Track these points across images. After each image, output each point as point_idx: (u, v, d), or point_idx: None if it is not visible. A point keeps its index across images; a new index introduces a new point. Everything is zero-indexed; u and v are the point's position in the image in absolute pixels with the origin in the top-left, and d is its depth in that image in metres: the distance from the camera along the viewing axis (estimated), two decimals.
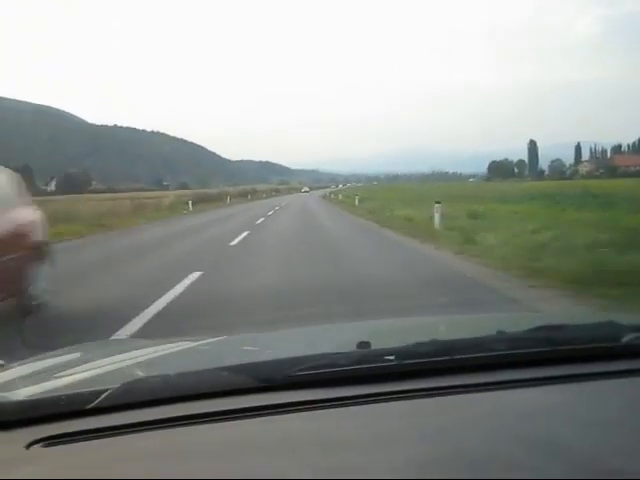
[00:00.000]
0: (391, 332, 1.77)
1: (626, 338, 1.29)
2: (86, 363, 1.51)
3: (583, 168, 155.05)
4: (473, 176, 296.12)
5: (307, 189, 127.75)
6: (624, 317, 1.58)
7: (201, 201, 44.74)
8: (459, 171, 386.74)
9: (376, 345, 1.26)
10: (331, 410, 1.07)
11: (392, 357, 1.19)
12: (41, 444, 0.97)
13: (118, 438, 0.99)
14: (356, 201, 39.74)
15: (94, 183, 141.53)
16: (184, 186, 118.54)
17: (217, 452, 0.95)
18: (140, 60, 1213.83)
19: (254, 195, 78.78)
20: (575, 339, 1.31)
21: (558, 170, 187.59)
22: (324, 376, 1.15)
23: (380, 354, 1.21)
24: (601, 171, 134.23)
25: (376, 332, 1.67)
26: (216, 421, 1.04)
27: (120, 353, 1.63)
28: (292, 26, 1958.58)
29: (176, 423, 1.03)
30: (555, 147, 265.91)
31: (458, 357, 1.22)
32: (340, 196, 57.19)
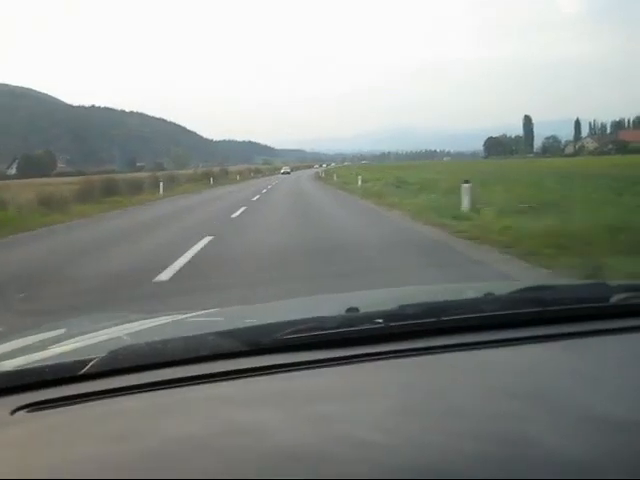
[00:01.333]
0: (379, 300, 1.77)
1: (615, 298, 1.30)
2: (75, 337, 1.51)
3: (588, 144, 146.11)
4: (448, 154, 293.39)
5: (288, 169, 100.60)
6: (613, 281, 1.59)
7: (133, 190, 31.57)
8: (447, 149, 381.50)
9: (365, 311, 1.27)
10: (317, 370, 1.08)
11: (380, 320, 1.19)
12: (25, 410, 0.97)
13: (102, 401, 0.99)
14: (359, 182, 31.16)
15: (62, 165, 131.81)
16: (160, 167, 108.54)
17: (199, 409, 0.95)
18: (119, 39, 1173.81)
19: (221, 179, 59.43)
20: (564, 299, 1.31)
21: (554, 147, 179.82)
22: (312, 339, 1.15)
23: (368, 317, 1.21)
24: (610, 147, 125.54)
25: (365, 300, 1.68)
26: (202, 383, 1.04)
27: (109, 327, 1.63)
28: (273, 2, 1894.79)
29: (162, 386, 1.03)
30: (546, 124, 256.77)
31: (446, 318, 1.22)
32: (335, 177, 48.36)
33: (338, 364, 1.09)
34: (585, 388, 0.96)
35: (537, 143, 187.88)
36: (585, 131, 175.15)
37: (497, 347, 1.15)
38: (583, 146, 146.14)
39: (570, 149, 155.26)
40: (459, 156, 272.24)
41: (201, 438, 0.83)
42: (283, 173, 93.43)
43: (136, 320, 1.68)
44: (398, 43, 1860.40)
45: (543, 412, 0.86)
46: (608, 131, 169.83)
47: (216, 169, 72.84)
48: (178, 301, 5.56)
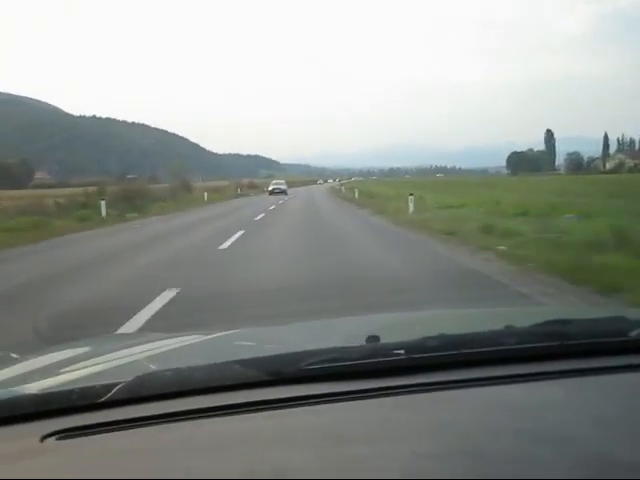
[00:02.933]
0: (399, 326, 1.78)
1: (634, 332, 1.29)
2: (98, 356, 1.53)
3: (625, 161, 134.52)
4: (441, 171, 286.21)
5: (282, 186, 61.01)
6: (631, 312, 1.62)
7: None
8: (457, 165, 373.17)
9: (385, 339, 1.27)
10: (340, 404, 1.08)
11: (401, 351, 1.19)
12: (55, 437, 0.97)
13: (131, 431, 1.00)
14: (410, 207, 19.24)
15: (42, 177, 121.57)
16: (154, 180, 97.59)
17: (227, 445, 0.95)
18: (124, 49, 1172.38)
19: (181, 196, 40.79)
20: (583, 333, 1.31)
21: (576, 163, 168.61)
22: (334, 370, 1.16)
23: (389, 348, 1.22)
24: None
25: (384, 326, 1.68)
26: (228, 414, 1.04)
27: (131, 347, 1.64)
28: (281, 19, 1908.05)
29: (188, 416, 1.03)
30: (563, 140, 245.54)
31: (466, 351, 1.22)
32: (357, 194, 37.50)
33: (361, 398, 1.10)
34: (607, 432, 0.96)
35: (558, 160, 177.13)
36: (613, 147, 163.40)
37: (517, 383, 1.17)
38: (622, 163, 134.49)
39: (599, 164, 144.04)
40: (471, 173, 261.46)
41: (224, 475, 0.84)
42: (273, 192, 55.57)
43: (156, 340, 1.68)
44: (408, 60, 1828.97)
45: (561, 455, 0.87)
46: (637, 147, 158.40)
47: (178, 184, 50.71)
48: None
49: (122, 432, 1.00)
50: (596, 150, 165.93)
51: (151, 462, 0.90)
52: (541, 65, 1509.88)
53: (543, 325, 1.34)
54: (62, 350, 1.61)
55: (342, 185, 56.72)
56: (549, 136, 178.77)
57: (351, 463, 0.87)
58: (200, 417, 1.04)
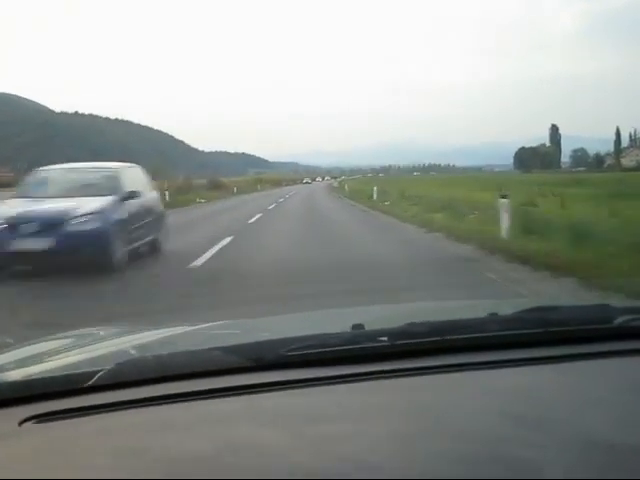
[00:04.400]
0: (385, 316, 1.78)
1: (618, 320, 1.30)
2: (83, 347, 1.54)
3: None
4: (418, 169, 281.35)
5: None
6: (616, 301, 1.80)
7: None
8: (452, 163, 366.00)
9: (370, 327, 1.27)
10: (321, 387, 1.08)
11: (384, 338, 1.19)
12: (33, 421, 0.98)
13: (109, 414, 1.00)
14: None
15: (3, 174, 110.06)
16: None
17: (203, 425, 0.96)
18: (108, 45, 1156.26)
19: None
20: (568, 320, 1.31)
21: (582, 160, 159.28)
22: (316, 356, 1.16)
23: (372, 335, 1.22)
24: None
25: (371, 316, 1.69)
26: (206, 398, 1.05)
27: (119, 337, 1.66)
28: (271, 14, 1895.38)
29: (167, 400, 1.04)
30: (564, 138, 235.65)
31: (450, 337, 1.22)
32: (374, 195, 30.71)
33: (342, 382, 1.10)
34: (586, 412, 0.97)
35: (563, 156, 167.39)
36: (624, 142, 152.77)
37: (500, 368, 1.16)
38: None
39: (607, 160, 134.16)
40: (466, 171, 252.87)
41: (204, 455, 0.84)
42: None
43: (143, 331, 1.71)
44: (403, 58, 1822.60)
45: (544, 436, 0.87)
46: None
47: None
48: None
49: (100, 415, 1.00)
50: (595, 148, 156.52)
51: (128, 442, 0.91)
52: (538, 63, 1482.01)
53: (527, 312, 1.35)
54: (55, 339, 1.63)
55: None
56: (554, 131, 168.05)
57: (325, 441, 0.87)
58: (179, 401, 1.04)
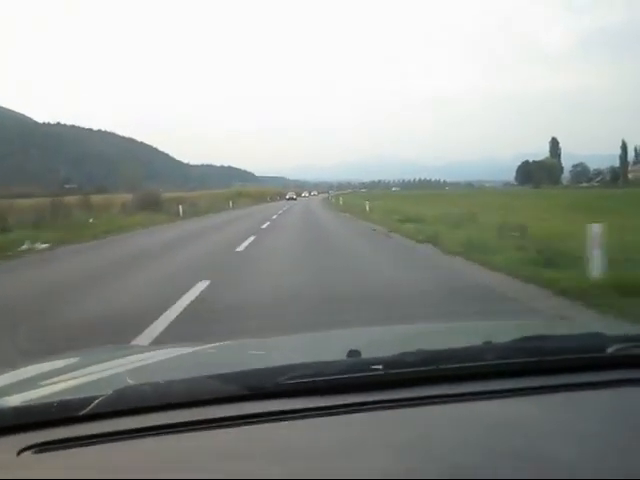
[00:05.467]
0: (382, 341, 1.80)
1: (611, 349, 1.31)
2: (80, 369, 1.53)
3: None
4: (397, 185, 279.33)
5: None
6: (608, 327, 1.74)
7: None
8: (442, 179, 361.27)
9: (366, 354, 1.29)
10: (316, 419, 1.09)
11: (379, 366, 1.20)
12: (32, 450, 0.98)
13: (107, 445, 1.00)
14: None
15: None
16: (102, 190, 78.25)
17: (203, 460, 0.96)
18: (95, 57, 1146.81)
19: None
20: (561, 349, 1.33)
21: (582, 176, 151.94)
22: (312, 385, 1.17)
23: (367, 363, 1.23)
24: None
25: (367, 340, 1.71)
26: (204, 429, 1.05)
27: (115, 359, 1.66)
28: (261, 26, 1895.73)
29: (165, 431, 1.04)
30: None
31: (444, 367, 1.24)
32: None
33: (336, 413, 1.11)
34: (580, 448, 0.97)
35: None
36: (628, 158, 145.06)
37: (495, 398, 1.17)
38: None
39: (606, 176, 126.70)
40: (457, 186, 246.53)
41: None
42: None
43: (140, 352, 1.71)
44: (392, 74, 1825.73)
45: (541, 471, 0.88)
46: None
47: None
48: None
49: (99, 446, 1.00)
50: (594, 163, 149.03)
51: (127, 475, 0.90)
52: (528, 79, 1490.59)
53: (521, 341, 1.36)
54: (45, 362, 1.62)
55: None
56: (554, 145, 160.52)
57: (324, 476, 0.87)
58: (177, 431, 1.04)
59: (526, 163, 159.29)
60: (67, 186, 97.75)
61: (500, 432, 1.04)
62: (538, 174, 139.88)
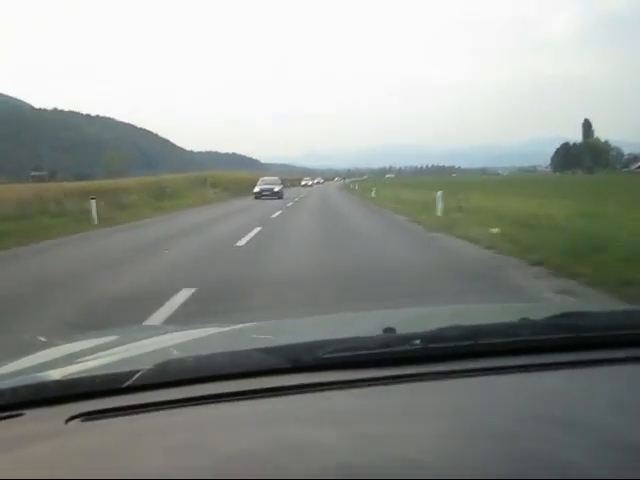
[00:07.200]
0: (415, 319, 1.80)
1: None
2: (121, 346, 1.57)
3: None
4: (421, 171, 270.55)
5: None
6: None
7: None
8: (454, 165, 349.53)
9: (402, 331, 1.28)
10: (358, 389, 1.10)
11: (417, 341, 1.20)
12: (79, 419, 1.00)
13: (151, 414, 1.03)
14: None
15: None
16: (82, 177, 65.95)
17: (248, 425, 0.97)
18: (94, 41, 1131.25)
19: None
20: (598, 326, 1.33)
21: (615, 160, 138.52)
22: (352, 358, 1.17)
23: (406, 338, 1.23)
24: None
25: (401, 319, 1.70)
26: (246, 399, 1.06)
27: (153, 337, 1.70)
28: (267, 10, 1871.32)
29: (207, 401, 1.05)
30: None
31: (482, 342, 1.23)
32: None
33: (378, 384, 1.11)
34: (616, 415, 0.98)
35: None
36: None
37: (531, 371, 1.18)
38: None
39: None
40: (453, 172, 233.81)
41: (251, 454, 0.84)
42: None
43: (179, 331, 1.75)
44: (401, 60, 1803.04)
45: (575, 437, 0.89)
46: None
47: None
48: None
49: (142, 415, 1.02)
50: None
51: (171, 442, 0.92)
52: (538, 65, 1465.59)
53: (559, 317, 1.37)
54: (87, 339, 1.67)
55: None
56: (587, 128, 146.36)
57: (371, 441, 0.88)
58: (219, 401, 1.05)
59: (566, 146, 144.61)
60: (34, 174, 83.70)
61: (541, 401, 1.05)
62: (584, 158, 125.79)
